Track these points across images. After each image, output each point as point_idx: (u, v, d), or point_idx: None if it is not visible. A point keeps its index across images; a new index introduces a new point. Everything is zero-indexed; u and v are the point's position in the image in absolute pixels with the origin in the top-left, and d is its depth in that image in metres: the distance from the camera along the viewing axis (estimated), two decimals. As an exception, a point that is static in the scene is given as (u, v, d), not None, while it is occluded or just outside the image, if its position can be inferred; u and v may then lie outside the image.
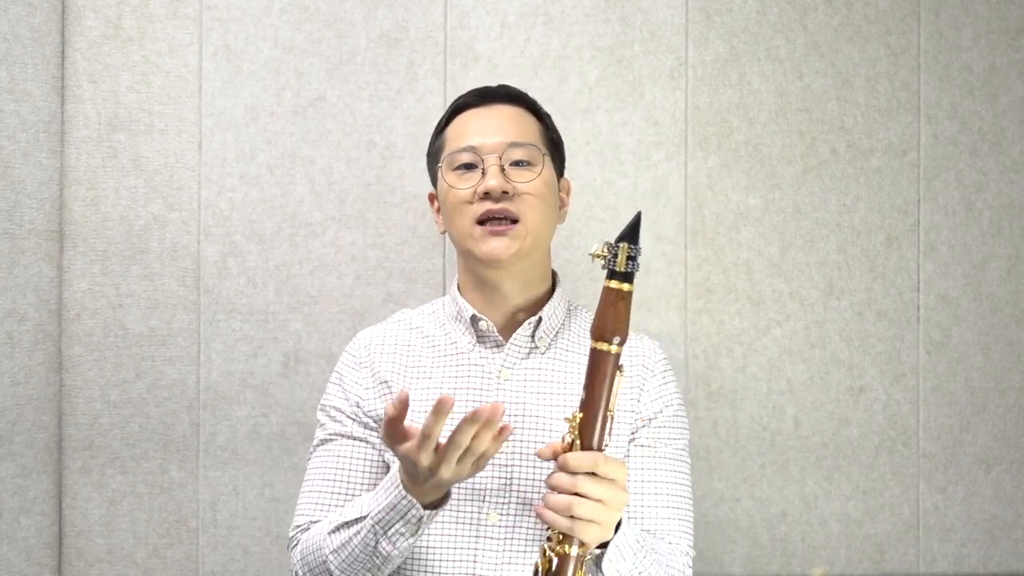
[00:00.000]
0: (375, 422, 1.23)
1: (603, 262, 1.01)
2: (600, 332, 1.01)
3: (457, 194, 1.20)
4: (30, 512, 1.51)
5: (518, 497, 1.17)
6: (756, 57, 1.64)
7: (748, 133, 1.63)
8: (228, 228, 1.58)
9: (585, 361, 1.23)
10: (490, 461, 1.17)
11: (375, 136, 1.60)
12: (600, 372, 1.01)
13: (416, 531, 1.06)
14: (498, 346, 1.24)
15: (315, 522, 1.19)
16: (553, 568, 1.01)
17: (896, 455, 1.66)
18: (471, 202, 1.19)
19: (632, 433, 1.23)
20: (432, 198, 1.31)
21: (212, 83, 1.58)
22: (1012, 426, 1.68)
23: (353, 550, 1.09)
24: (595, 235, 1.61)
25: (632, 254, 1.00)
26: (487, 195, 1.18)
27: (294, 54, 1.59)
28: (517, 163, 1.20)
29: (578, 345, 1.26)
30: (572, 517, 0.99)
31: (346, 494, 1.21)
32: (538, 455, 1.03)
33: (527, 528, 1.17)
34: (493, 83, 1.59)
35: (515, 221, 1.18)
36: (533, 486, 1.17)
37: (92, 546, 1.57)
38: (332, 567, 1.11)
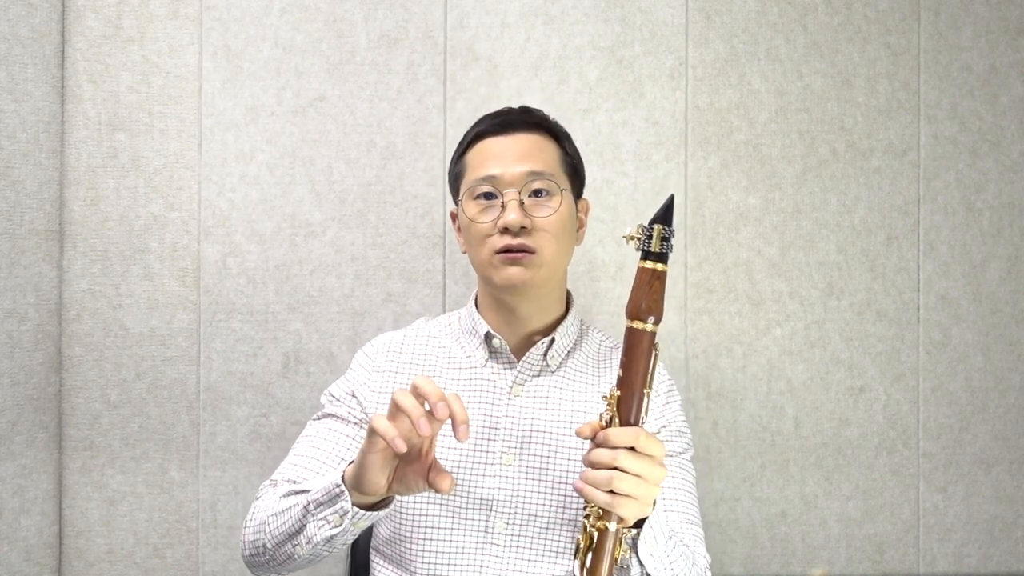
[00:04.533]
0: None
1: (637, 243, 1.02)
2: (635, 311, 1.01)
3: (479, 227, 1.22)
4: (30, 512, 1.51)
5: (524, 508, 1.19)
6: (756, 57, 1.64)
7: (748, 133, 1.63)
8: (228, 228, 1.58)
9: (596, 381, 1.27)
10: (499, 474, 1.20)
11: (375, 136, 1.59)
12: (637, 351, 1.02)
13: (340, 524, 1.05)
14: (510, 363, 1.26)
15: (289, 480, 1.21)
16: (593, 543, 1.01)
17: (896, 455, 1.65)
18: (491, 234, 1.21)
19: None
20: (454, 217, 1.33)
21: (212, 83, 1.58)
22: (1012, 426, 1.68)
23: (286, 521, 1.10)
24: (595, 235, 1.61)
25: (666, 235, 1.01)
26: (506, 229, 1.20)
27: (294, 54, 1.59)
28: (536, 193, 1.22)
29: (587, 365, 1.28)
30: (612, 492, 0.99)
31: (325, 462, 1.22)
32: (577, 434, 1.04)
33: (532, 538, 1.19)
34: (493, 83, 1.59)
35: (532, 252, 1.20)
36: (539, 498, 1.19)
37: (92, 546, 1.57)
38: (268, 529, 1.12)
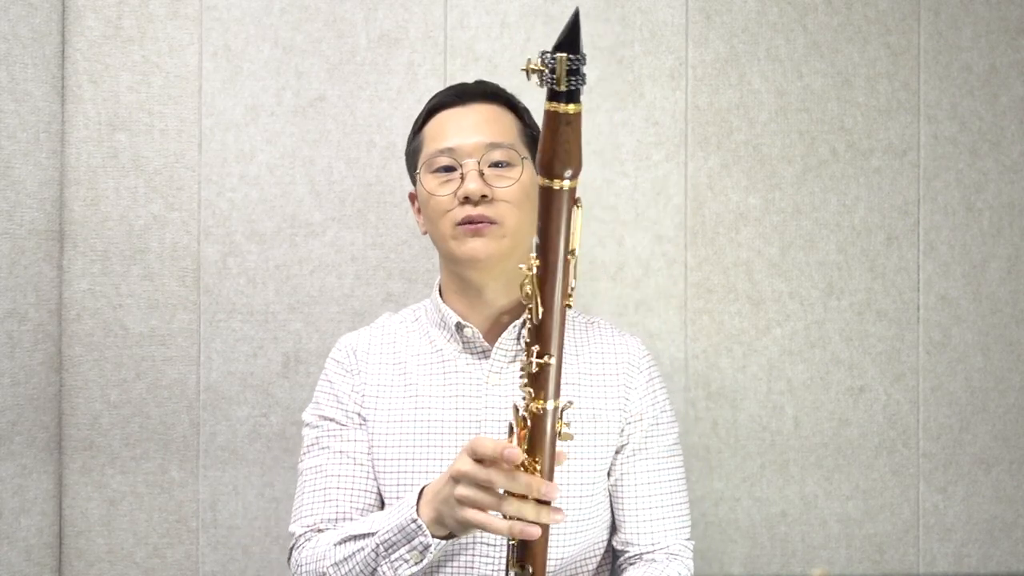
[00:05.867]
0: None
1: (539, 79, 0.82)
2: (548, 167, 0.84)
3: (438, 201, 1.19)
4: (30, 512, 1.51)
5: None
6: (756, 57, 1.64)
7: (748, 133, 1.63)
8: (228, 228, 1.58)
9: (574, 360, 1.23)
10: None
11: (375, 136, 1.60)
12: (551, 212, 0.86)
13: (420, 560, 1.03)
14: (484, 353, 1.23)
15: (320, 530, 1.18)
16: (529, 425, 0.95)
17: (896, 455, 1.65)
18: (451, 208, 1.18)
19: (621, 431, 1.24)
20: (412, 198, 1.31)
21: (212, 83, 1.58)
22: (1012, 426, 1.68)
23: (353, 568, 1.07)
24: (594, 235, 1.61)
25: (572, 66, 0.82)
26: (467, 199, 1.17)
27: (294, 54, 1.59)
28: (496, 164, 1.19)
29: (565, 346, 1.25)
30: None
31: (351, 489, 1.19)
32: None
33: None
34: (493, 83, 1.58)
35: (494, 223, 1.17)
36: None
37: (92, 546, 1.57)
38: None
